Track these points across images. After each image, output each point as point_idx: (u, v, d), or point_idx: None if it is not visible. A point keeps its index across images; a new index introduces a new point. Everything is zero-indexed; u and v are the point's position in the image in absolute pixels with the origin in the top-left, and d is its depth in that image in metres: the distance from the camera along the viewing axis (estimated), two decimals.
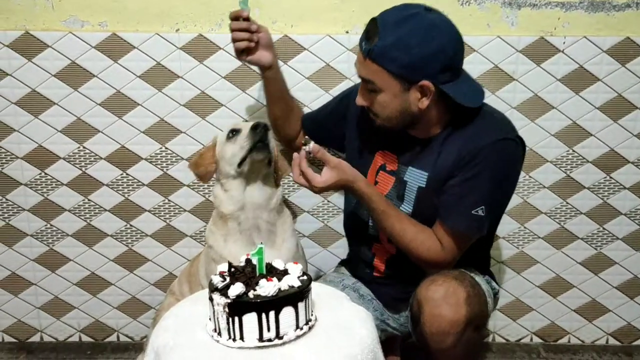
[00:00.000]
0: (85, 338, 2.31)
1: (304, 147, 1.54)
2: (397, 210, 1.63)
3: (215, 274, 1.29)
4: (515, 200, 2.14)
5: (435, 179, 1.59)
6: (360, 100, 1.59)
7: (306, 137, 1.58)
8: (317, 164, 1.58)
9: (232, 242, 1.72)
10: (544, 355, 2.24)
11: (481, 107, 1.59)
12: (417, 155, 1.63)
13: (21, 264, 2.22)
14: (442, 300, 1.48)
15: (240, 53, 1.73)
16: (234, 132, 1.72)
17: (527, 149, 2.06)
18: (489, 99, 2.00)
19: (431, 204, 1.61)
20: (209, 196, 2.14)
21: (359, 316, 1.37)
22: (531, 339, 2.31)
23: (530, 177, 2.13)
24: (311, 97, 2.06)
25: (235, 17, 1.70)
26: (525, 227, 2.19)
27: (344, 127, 1.82)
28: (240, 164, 1.67)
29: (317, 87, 2.05)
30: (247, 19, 1.69)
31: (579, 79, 2.04)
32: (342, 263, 2.00)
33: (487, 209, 1.54)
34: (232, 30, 1.70)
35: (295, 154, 1.56)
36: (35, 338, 2.31)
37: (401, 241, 1.61)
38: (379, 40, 1.44)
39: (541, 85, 2.05)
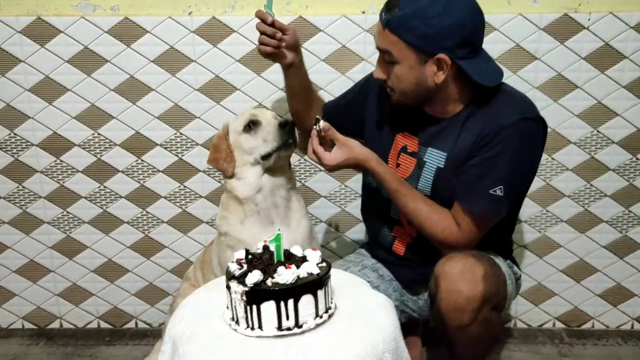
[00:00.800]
0: (103, 324, 2.32)
1: (315, 126, 1.54)
2: (412, 189, 1.62)
3: (232, 261, 1.26)
4: (537, 183, 2.10)
5: (454, 160, 1.58)
6: (377, 73, 1.59)
7: (317, 116, 1.58)
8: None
9: (250, 224, 1.70)
10: (567, 340, 2.20)
11: (502, 87, 1.58)
12: (437, 136, 1.62)
13: (39, 251, 2.23)
14: (459, 276, 1.47)
15: (263, 54, 1.72)
16: (252, 124, 1.67)
17: (549, 130, 2.02)
18: (510, 79, 1.97)
19: (449, 186, 1.59)
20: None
21: (380, 304, 1.34)
22: (554, 324, 2.27)
23: (552, 159, 2.08)
24: (327, 80, 2.01)
25: (260, 18, 1.66)
26: (547, 211, 2.14)
27: (364, 112, 1.81)
28: (264, 158, 1.65)
29: (333, 69, 2.01)
30: (272, 25, 1.65)
31: (604, 57, 1.97)
32: (362, 246, 2.00)
33: (506, 189, 1.52)
34: (259, 32, 1.68)
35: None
36: (55, 325, 2.33)
37: (415, 220, 1.61)
38: (399, 11, 1.45)
39: (565, 64, 1.99)
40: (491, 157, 1.52)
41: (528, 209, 2.13)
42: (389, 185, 1.59)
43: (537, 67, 1.99)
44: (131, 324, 2.32)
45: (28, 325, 2.33)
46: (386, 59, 1.54)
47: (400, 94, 1.57)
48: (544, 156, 2.05)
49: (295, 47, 1.74)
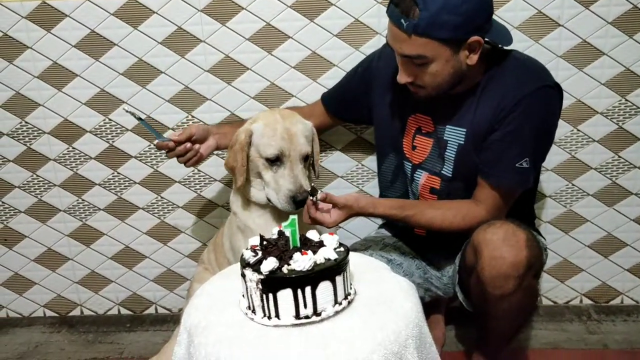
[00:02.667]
0: (124, 311, 2.32)
1: (311, 198, 1.51)
2: (414, 205, 1.61)
3: (247, 248, 1.23)
4: (562, 156, 2.02)
5: (474, 135, 1.55)
6: (404, 77, 1.51)
7: (313, 185, 1.53)
8: None
9: (256, 216, 1.70)
10: (595, 317, 2.14)
11: (512, 54, 1.56)
12: (454, 113, 1.59)
13: (56, 240, 2.22)
14: (502, 242, 1.43)
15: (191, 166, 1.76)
16: (276, 160, 1.60)
17: (575, 100, 1.96)
18: (532, 48, 1.90)
19: (471, 162, 1.57)
20: None
21: (401, 288, 1.29)
22: (581, 301, 2.21)
23: (578, 130, 1.99)
24: (340, 55, 1.95)
25: (163, 149, 1.68)
26: (573, 185, 2.06)
27: (372, 98, 1.76)
28: (268, 199, 1.64)
29: (346, 44, 1.94)
30: (176, 143, 1.65)
31: (633, 21, 1.88)
32: (382, 226, 1.97)
33: (531, 160, 1.51)
34: (171, 157, 1.70)
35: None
36: (76, 312, 2.33)
37: (435, 228, 1.59)
38: (422, 12, 1.37)
39: (590, 30, 1.90)
40: (514, 129, 1.48)
41: (553, 183, 2.06)
42: (396, 217, 1.57)
43: (560, 34, 1.90)
44: (151, 310, 2.31)
45: (49, 313, 2.33)
46: (417, 63, 1.45)
47: (434, 89, 1.51)
48: (569, 128, 1.99)
49: (207, 135, 1.73)
